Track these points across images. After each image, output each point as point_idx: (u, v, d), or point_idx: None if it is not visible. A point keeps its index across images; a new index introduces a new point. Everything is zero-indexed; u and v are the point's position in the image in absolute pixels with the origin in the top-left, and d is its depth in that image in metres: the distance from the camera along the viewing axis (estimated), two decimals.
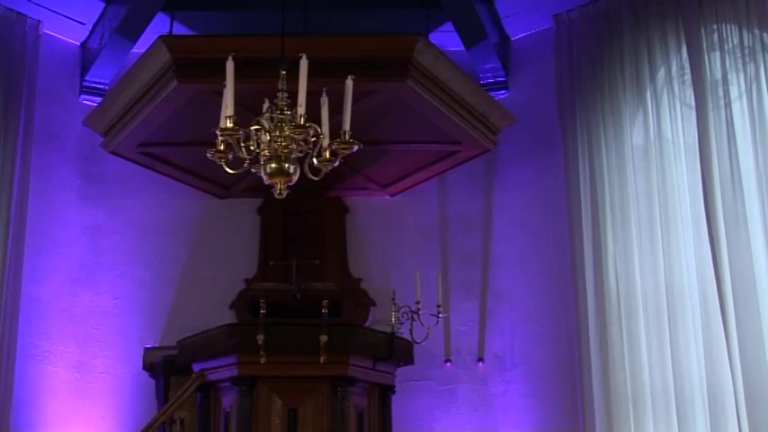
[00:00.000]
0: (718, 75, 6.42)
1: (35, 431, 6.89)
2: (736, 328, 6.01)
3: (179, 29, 7.36)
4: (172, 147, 6.85)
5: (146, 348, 7.05)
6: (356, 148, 4.37)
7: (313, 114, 4.35)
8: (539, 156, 7.50)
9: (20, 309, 6.95)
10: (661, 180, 6.60)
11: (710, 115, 6.36)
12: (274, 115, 4.40)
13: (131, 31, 7.22)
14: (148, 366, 6.97)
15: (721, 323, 6.09)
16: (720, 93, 6.38)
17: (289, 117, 4.37)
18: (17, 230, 6.94)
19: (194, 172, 7.21)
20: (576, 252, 6.92)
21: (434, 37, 7.05)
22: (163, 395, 6.71)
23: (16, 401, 6.83)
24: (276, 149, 4.33)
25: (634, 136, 6.87)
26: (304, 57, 4.26)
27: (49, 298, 7.19)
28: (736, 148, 6.23)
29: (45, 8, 7.30)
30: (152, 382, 6.96)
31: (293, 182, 4.40)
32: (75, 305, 7.26)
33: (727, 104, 6.35)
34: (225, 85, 4.24)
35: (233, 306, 7.29)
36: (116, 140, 6.70)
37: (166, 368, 6.70)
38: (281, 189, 4.37)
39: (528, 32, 7.78)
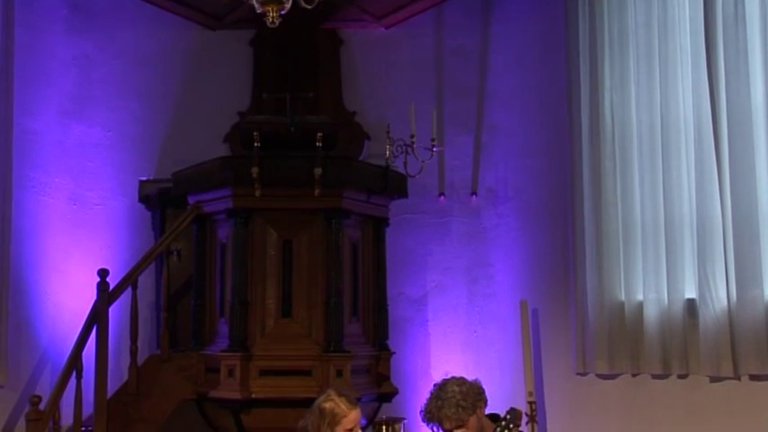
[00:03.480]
0: None
1: (35, 262, 6.99)
2: (728, 163, 6.03)
3: None
4: None
5: (141, 181, 7.08)
6: None
7: None
8: None
9: (13, 141, 6.93)
10: (662, 12, 6.44)
11: None
12: None
13: None
14: (144, 199, 7.03)
15: (714, 158, 6.11)
16: None
17: None
18: (5, 62, 6.82)
19: (185, 1, 7.03)
20: (573, 86, 6.84)
21: None
22: (159, 227, 6.81)
23: (15, 232, 6.90)
24: None
25: None
26: None
27: (42, 130, 7.12)
28: None
29: None
30: (148, 214, 7.04)
31: (286, 10, 4.31)
32: (68, 137, 7.20)
33: None
34: None
35: (226, 139, 7.28)
36: None
37: (162, 200, 6.78)
38: (273, 17, 4.29)
39: None
